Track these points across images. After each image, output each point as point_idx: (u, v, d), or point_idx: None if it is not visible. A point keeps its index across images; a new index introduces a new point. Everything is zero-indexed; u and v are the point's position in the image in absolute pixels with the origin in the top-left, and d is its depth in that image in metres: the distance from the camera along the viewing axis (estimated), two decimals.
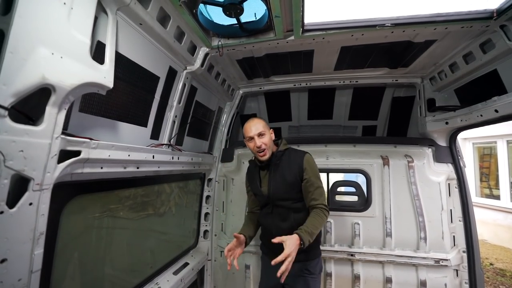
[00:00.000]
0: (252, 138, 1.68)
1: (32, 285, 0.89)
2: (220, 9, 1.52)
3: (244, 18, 1.67)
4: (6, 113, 0.76)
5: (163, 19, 1.44)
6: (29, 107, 0.89)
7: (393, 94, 2.86)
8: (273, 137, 1.77)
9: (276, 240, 1.37)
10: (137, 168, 1.49)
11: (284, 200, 1.70)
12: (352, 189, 2.49)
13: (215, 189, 2.79)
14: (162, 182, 2.05)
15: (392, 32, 1.65)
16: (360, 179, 2.49)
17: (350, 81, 2.57)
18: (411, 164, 2.33)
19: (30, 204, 0.86)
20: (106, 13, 1.11)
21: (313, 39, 1.76)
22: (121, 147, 1.30)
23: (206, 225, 2.71)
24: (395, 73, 2.40)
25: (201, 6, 1.55)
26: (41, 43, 0.82)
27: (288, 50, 2.02)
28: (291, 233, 1.61)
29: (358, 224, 2.33)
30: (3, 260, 0.79)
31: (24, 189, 0.85)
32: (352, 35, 1.71)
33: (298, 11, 1.43)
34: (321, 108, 3.14)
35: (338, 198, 2.52)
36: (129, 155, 1.36)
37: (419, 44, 1.84)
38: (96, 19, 1.09)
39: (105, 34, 1.13)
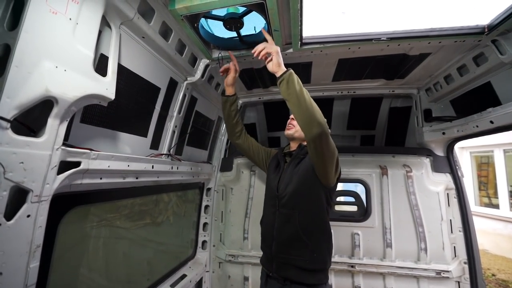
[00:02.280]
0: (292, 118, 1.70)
1: None
2: (221, 22, 1.57)
3: (244, 31, 1.72)
4: (9, 125, 0.76)
5: (165, 32, 1.48)
6: (32, 119, 0.89)
7: (390, 104, 2.90)
8: None
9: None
10: (136, 178, 1.48)
11: (291, 196, 1.53)
12: (351, 199, 2.49)
13: (214, 198, 2.77)
14: (161, 192, 2.03)
15: (388, 45, 1.69)
16: (359, 189, 2.49)
17: (348, 92, 2.61)
18: (409, 174, 2.34)
19: (28, 216, 0.86)
20: (110, 27, 1.14)
21: (311, 52, 1.80)
22: (120, 158, 1.30)
23: (204, 236, 2.67)
24: (391, 84, 2.45)
25: (202, 20, 1.59)
26: (46, 57, 0.83)
27: (287, 62, 2.04)
28: (295, 241, 1.49)
29: (358, 234, 2.32)
30: None
31: (23, 201, 0.85)
32: (349, 48, 1.75)
33: (297, 25, 1.48)
34: None
35: (338, 208, 2.52)
36: (128, 166, 1.36)
37: (414, 56, 1.89)
38: (100, 33, 1.12)
39: (108, 47, 1.15)
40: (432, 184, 2.33)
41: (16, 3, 0.78)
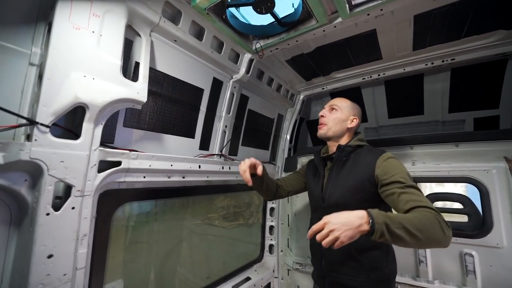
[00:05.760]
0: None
1: (77, 280, 1.01)
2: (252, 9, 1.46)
3: (281, 12, 1.54)
4: (48, 130, 0.90)
5: (198, 32, 1.49)
6: (76, 125, 1.05)
7: None
8: (353, 125, 1.38)
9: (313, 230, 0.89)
10: (183, 177, 1.54)
11: (338, 208, 1.17)
12: (458, 206, 1.79)
13: (279, 201, 2.63)
14: (219, 192, 2.07)
15: None
16: (470, 192, 1.76)
17: (443, 61, 1.93)
18: None
19: (73, 208, 0.99)
20: (140, 35, 1.23)
21: (368, 15, 1.42)
22: (162, 158, 1.37)
23: (271, 239, 2.56)
24: None
25: (234, 10, 1.53)
26: (74, 68, 0.95)
27: (342, 37, 1.72)
28: (347, 260, 1.25)
29: (471, 256, 1.63)
30: (50, 256, 0.93)
31: (69, 195, 0.99)
32: None
33: None
34: (406, 102, 2.52)
35: None
36: (172, 165, 1.43)
37: None
38: (131, 42, 1.23)
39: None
40: None
41: (49, 26, 0.93)
